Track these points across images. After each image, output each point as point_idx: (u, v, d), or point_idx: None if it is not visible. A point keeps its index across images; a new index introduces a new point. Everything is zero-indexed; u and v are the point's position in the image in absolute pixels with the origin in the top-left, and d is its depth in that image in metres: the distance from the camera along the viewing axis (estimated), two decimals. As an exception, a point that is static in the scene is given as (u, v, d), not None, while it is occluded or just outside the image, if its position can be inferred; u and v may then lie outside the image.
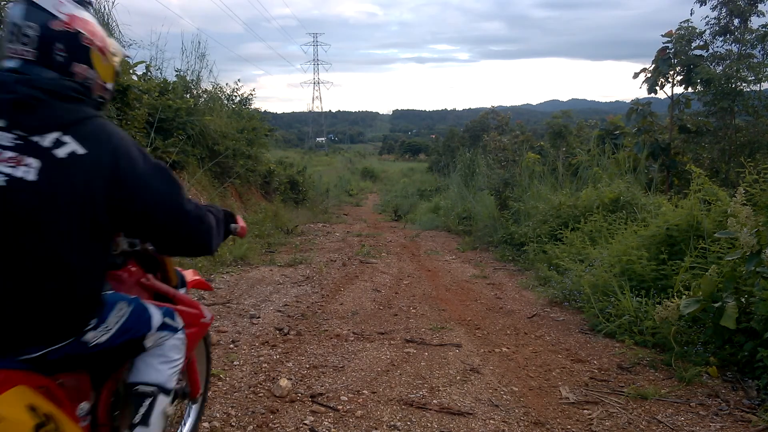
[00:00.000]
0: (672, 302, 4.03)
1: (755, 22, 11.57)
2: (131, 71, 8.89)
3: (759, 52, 11.31)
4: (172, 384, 1.76)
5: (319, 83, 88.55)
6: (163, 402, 1.71)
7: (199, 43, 12.54)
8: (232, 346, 4.39)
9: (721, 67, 11.27)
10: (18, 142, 1.29)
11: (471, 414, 3.25)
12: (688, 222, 5.19)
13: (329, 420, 3.14)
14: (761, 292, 3.62)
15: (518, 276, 7.65)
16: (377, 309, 5.76)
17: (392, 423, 3.11)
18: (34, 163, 1.28)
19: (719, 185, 6.50)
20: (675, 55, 10.67)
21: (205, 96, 12.49)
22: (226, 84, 15.33)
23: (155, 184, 1.47)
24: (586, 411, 3.31)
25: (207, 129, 10.64)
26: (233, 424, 3.06)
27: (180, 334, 1.80)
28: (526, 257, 8.19)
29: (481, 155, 15.54)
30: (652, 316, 4.30)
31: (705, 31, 11.39)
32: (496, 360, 4.21)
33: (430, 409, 3.29)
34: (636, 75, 11.45)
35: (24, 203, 1.28)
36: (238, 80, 17.19)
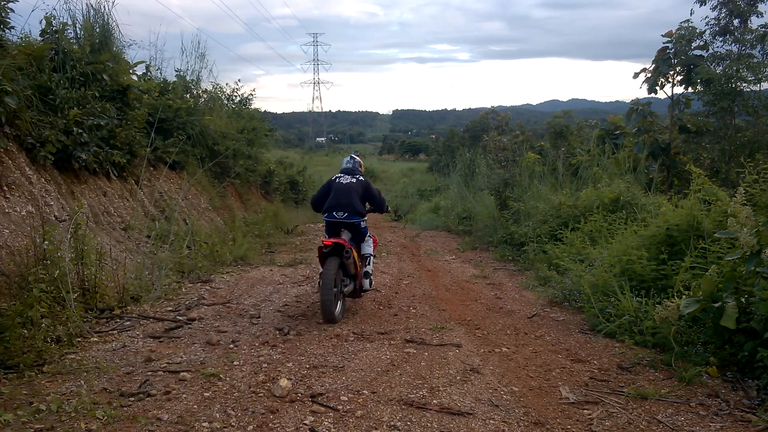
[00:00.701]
0: (672, 302, 4.03)
1: (755, 22, 11.58)
2: (131, 71, 8.90)
3: (759, 52, 11.32)
4: (373, 253, 5.77)
5: (319, 83, 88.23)
6: (372, 259, 5.73)
7: (199, 43, 12.59)
8: (232, 346, 4.39)
9: (721, 67, 11.27)
10: (351, 177, 5.61)
11: (471, 414, 3.25)
12: (688, 222, 5.19)
13: (329, 420, 3.14)
14: (761, 292, 3.62)
15: (518, 276, 7.65)
16: (377, 309, 5.76)
17: (392, 423, 3.11)
18: (354, 180, 5.57)
19: (719, 185, 6.50)
20: (675, 55, 10.66)
21: (205, 96, 12.49)
22: (226, 84, 15.33)
23: (374, 190, 5.76)
24: (586, 411, 3.31)
25: (207, 129, 10.64)
26: (233, 424, 3.05)
27: (370, 239, 5.75)
28: (526, 257, 8.19)
29: (481, 155, 15.53)
30: (652, 316, 4.30)
31: (705, 31, 11.39)
32: (496, 360, 4.21)
33: (430, 409, 3.29)
34: (636, 75, 11.45)
35: (353, 187, 5.49)
36: (238, 80, 17.18)
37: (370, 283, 5.71)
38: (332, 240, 5.19)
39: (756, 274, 3.71)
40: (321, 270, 5.20)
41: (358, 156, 6.09)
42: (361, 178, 5.68)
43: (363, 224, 5.52)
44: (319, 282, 5.21)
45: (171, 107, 9.42)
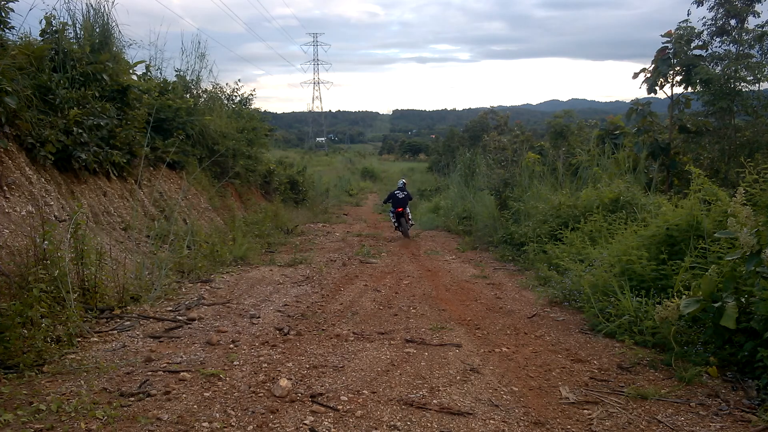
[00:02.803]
0: (672, 302, 4.03)
1: (752, 22, 11.58)
2: (131, 71, 8.89)
3: (757, 51, 11.32)
4: (411, 218, 13.31)
5: (319, 83, 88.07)
6: (412, 219, 13.31)
7: (199, 43, 12.59)
8: (232, 346, 4.39)
9: (720, 68, 11.27)
10: (403, 192, 12.56)
11: (471, 414, 3.25)
12: (688, 222, 5.19)
13: (329, 420, 3.14)
14: (761, 292, 3.62)
15: (518, 276, 7.65)
16: (377, 309, 5.76)
17: (392, 423, 3.11)
18: (404, 194, 12.53)
19: (719, 185, 6.50)
20: (674, 55, 10.66)
21: (204, 96, 12.50)
22: (226, 84, 15.33)
23: (411, 196, 13.53)
24: (586, 411, 3.31)
25: (207, 129, 10.64)
26: (233, 424, 3.05)
27: (409, 211, 13.00)
28: (526, 257, 8.19)
29: (481, 155, 15.55)
30: (652, 316, 4.30)
31: (703, 31, 11.40)
32: (496, 360, 4.21)
33: (430, 409, 3.29)
34: (636, 75, 11.43)
35: (405, 200, 12.50)
36: (238, 80, 17.20)
37: (411, 224, 12.56)
38: (400, 210, 11.99)
39: (756, 274, 3.71)
40: (394, 222, 12.33)
41: (405, 179, 13.44)
42: (407, 192, 12.37)
43: (407, 209, 12.16)
44: (393, 225, 12.47)
45: (171, 107, 9.42)
